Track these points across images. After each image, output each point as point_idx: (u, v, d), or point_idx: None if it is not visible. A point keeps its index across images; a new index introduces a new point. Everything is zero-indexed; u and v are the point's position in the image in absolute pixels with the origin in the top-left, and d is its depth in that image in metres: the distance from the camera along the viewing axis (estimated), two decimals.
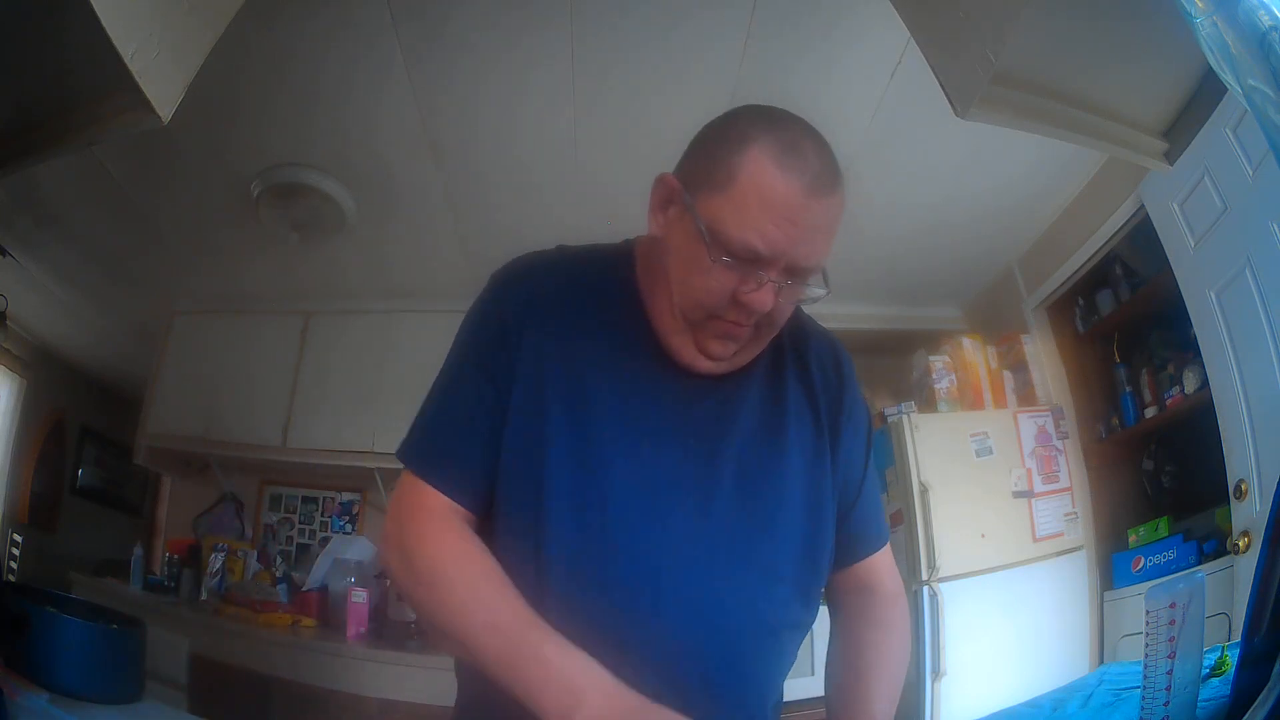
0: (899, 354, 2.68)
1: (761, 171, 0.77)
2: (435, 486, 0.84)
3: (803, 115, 0.83)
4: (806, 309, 0.94)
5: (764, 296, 0.80)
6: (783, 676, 0.89)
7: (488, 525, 0.86)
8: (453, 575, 0.81)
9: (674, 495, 0.83)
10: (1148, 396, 2.21)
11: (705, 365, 0.86)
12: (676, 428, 0.86)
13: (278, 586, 2.65)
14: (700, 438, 0.86)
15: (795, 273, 0.81)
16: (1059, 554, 2.28)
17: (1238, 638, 0.71)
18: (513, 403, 0.84)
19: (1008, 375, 2.54)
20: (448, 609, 0.80)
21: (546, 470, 0.82)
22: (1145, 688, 0.72)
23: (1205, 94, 1.32)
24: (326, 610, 2.57)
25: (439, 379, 0.90)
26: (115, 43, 1.12)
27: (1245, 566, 1.62)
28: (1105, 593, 2.20)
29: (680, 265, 0.83)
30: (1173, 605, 0.70)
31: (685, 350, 0.86)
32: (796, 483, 0.89)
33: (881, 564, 0.97)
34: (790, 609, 0.87)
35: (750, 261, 0.78)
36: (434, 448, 0.86)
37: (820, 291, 0.85)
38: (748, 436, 0.88)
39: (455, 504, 0.84)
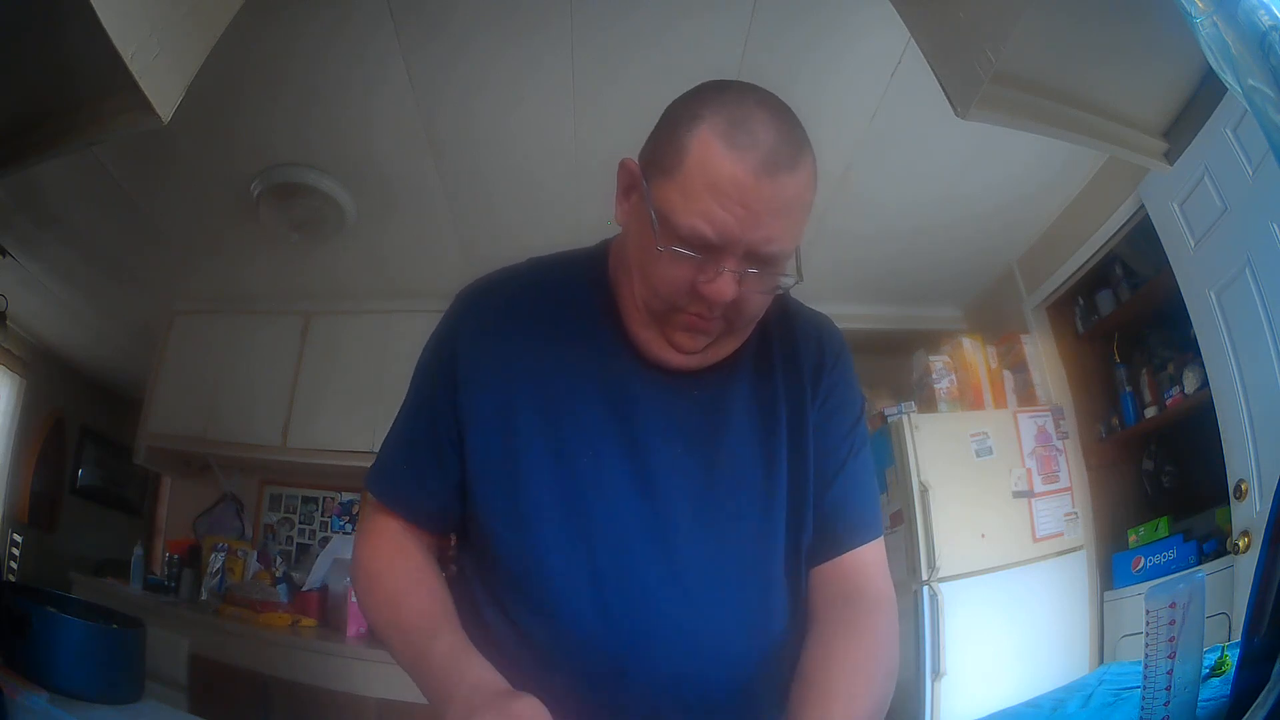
0: (899, 354, 2.68)
1: (708, 151, 0.72)
2: (395, 512, 0.87)
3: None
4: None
5: (723, 287, 0.74)
6: (783, 685, 0.83)
7: (476, 552, 0.86)
8: (375, 582, 0.86)
9: (661, 508, 0.80)
10: (1148, 396, 2.21)
11: (677, 360, 0.81)
12: (658, 430, 0.82)
13: (278, 586, 2.65)
14: (688, 441, 0.82)
15: (758, 260, 0.75)
16: (1059, 554, 2.28)
17: (1238, 638, 0.71)
18: (482, 427, 0.83)
19: (1008, 375, 2.54)
20: (370, 613, 0.86)
21: (524, 494, 0.80)
22: (1145, 688, 0.72)
23: (1205, 94, 1.32)
24: (326, 610, 2.57)
25: (403, 405, 0.91)
26: (115, 43, 1.12)
27: (1245, 566, 1.62)
28: (1105, 593, 2.20)
29: (639, 255, 0.79)
30: (1173, 605, 0.70)
31: (654, 344, 0.81)
32: (786, 482, 0.84)
33: (868, 564, 0.85)
34: (788, 619, 0.84)
35: (703, 249, 0.73)
36: (392, 476, 0.88)
37: (790, 280, 0.79)
38: (739, 437, 0.84)
39: (414, 528, 0.88)
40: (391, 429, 0.91)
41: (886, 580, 0.86)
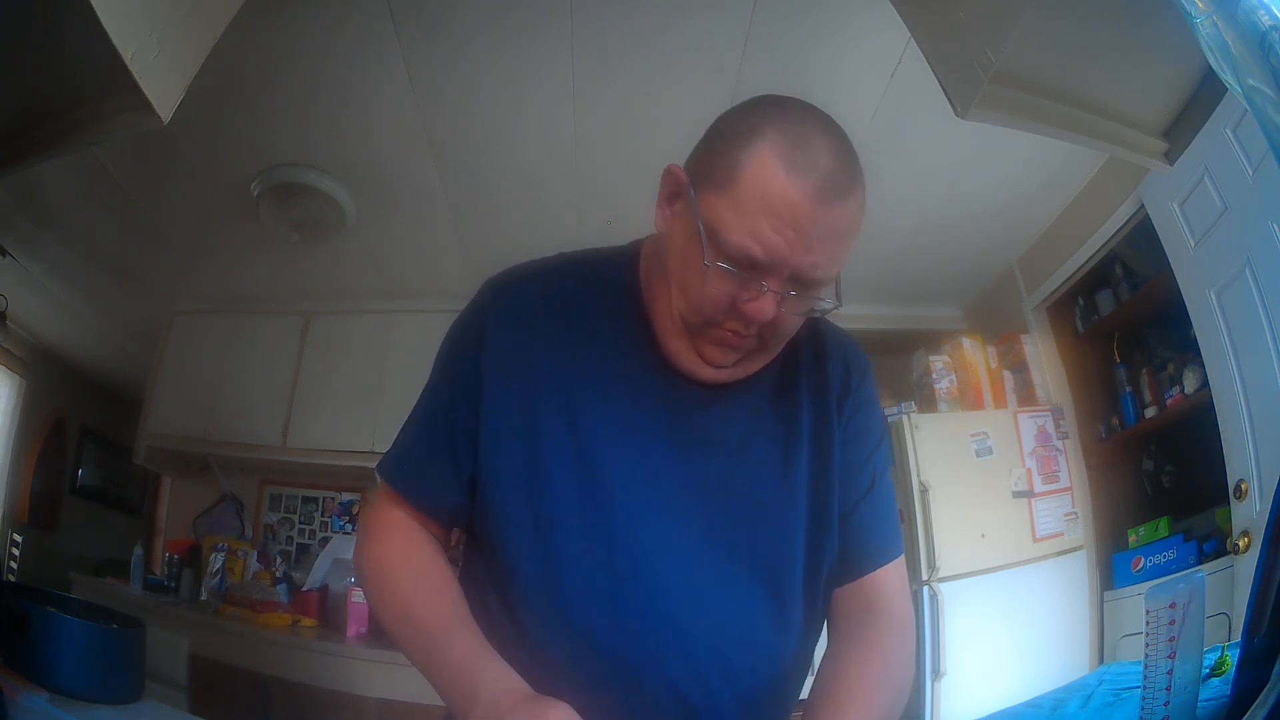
0: (899, 354, 2.68)
1: (765, 171, 0.71)
2: (410, 503, 0.86)
3: None
4: None
5: (764, 306, 0.74)
6: (792, 703, 0.85)
7: (488, 546, 0.84)
8: (387, 576, 0.84)
9: (681, 518, 0.80)
10: (1148, 396, 2.21)
11: (707, 373, 0.81)
12: (681, 441, 0.81)
13: (278, 586, 2.65)
14: (708, 452, 0.82)
15: (801, 283, 0.74)
16: (1059, 554, 2.28)
17: (1238, 638, 0.71)
18: (504, 425, 0.81)
19: (1008, 375, 2.54)
20: (380, 608, 0.83)
21: (544, 493, 0.79)
22: (1145, 688, 0.72)
23: (1205, 94, 1.32)
24: (326, 610, 2.57)
25: (421, 394, 0.90)
26: (115, 43, 1.12)
27: (1245, 566, 1.62)
28: (1105, 593, 2.20)
29: (679, 266, 0.79)
30: (1173, 605, 0.70)
31: (685, 355, 0.81)
32: (807, 499, 0.84)
33: (888, 582, 0.87)
34: (801, 635, 0.84)
35: (749, 268, 0.73)
36: (407, 464, 0.87)
37: (830, 304, 0.78)
38: (761, 451, 0.84)
39: (423, 520, 0.86)
40: (410, 416, 0.89)
41: (906, 600, 0.87)
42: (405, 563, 0.84)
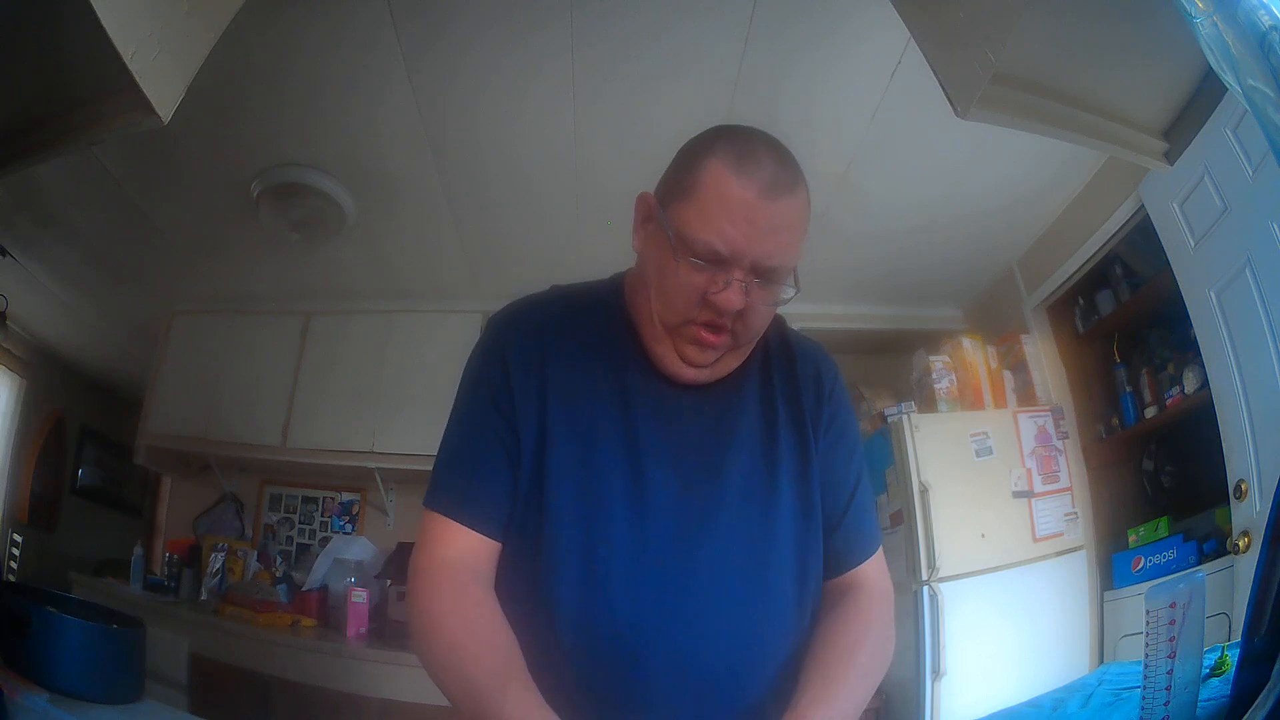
0: (899, 354, 2.68)
1: (719, 179, 0.84)
2: (465, 524, 0.87)
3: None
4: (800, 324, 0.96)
5: (732, 296, 0.84)
6: (781, 683, 0.88)
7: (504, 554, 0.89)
8: (440, 632, 0.83)
9: (679, 520, 0.86)
10: (1148, 396, 2.21)
11: (689, 373, 0.90)
12: (678, 446, 0.89)
13: (278, 586, 2.65)
14: (701, 455, 0.90)
15: (761, 272, 0.85)
16: (1059, 554, 2.28)
17: (1238, 638, 0.71)
18: (526, 439, 0.88)
19: (1008, 375, 2.54)
20: (434, 665, 0.83)
21: (550, 505, 0.86)
22: (1145, 688, 0.72)
23: (1205, 94, 1.32)
24: (326, 610, 2.58)
25: (451, 423, 0.94)
26: (115, 43, 1.12)
27: (1245, 566, 1.62)
28: (1105, 593, 2.20)
29: (656, 272, 0.89)
30: (1173, 605, 0.70)
31: (668, 358, 0.90)
32: (790, 497, 0.92)
33: (867, 567, 0.97)
34: (795, 629, 0.89)
35: (715, 261, 0.84)
36: (461, 493, 0.89)
37: (791, 291, 0.89)
38: (746, 451, 0.92)
39: (475, 549, 0.87)
40: (447, 449, 0.92)
41: (885, 576, 0.98)
42: (459, 617, 0.83)
